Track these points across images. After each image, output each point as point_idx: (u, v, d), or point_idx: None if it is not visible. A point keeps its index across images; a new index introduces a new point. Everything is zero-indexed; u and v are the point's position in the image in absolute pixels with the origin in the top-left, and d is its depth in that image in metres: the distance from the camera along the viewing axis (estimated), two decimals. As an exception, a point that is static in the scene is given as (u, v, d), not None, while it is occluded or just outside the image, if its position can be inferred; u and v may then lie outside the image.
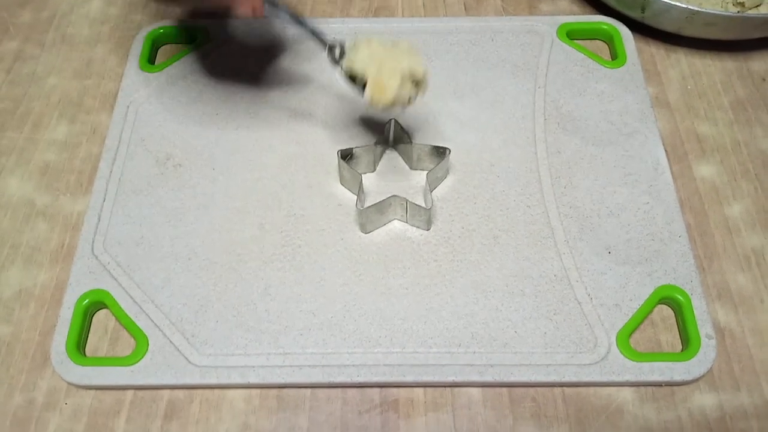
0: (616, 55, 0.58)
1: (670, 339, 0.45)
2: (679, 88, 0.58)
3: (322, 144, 0.53)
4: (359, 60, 0.45)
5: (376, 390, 0.43)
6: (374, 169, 0.51)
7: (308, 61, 0.57)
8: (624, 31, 0.59)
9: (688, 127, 0.55)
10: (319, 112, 0.55)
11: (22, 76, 0.59)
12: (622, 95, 0.55)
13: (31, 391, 0.44)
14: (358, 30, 0.59)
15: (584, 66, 0.57)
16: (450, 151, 0.49)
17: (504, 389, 0.43)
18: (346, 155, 0.49)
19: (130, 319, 0.45)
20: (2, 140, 0.55)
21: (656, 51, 0.60)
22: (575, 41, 0.59)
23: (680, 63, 0.59)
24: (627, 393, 0.43)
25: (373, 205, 0.46)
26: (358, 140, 0.52)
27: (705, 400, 0.43)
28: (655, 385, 0.43)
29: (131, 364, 0.43)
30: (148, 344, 0.44)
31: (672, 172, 0.51)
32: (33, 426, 0.42)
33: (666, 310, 0.46)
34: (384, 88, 0.44)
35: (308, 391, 0.43)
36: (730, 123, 0.56)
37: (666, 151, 0.52)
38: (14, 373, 0.44)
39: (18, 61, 0.60)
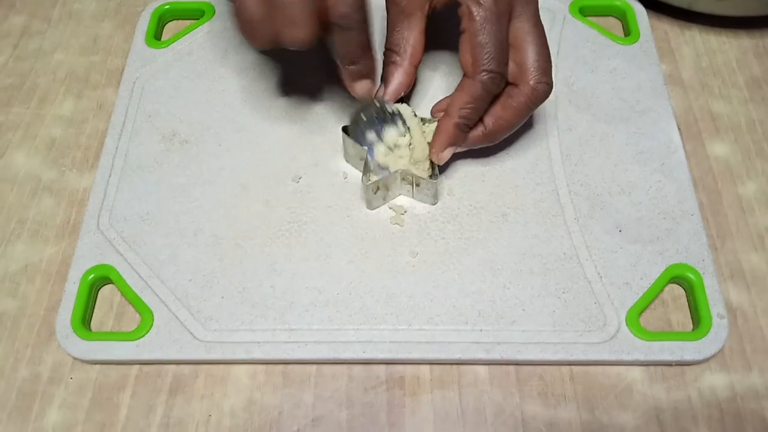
0: (629, 32, 0.57)
1: (681, 318, 0.45)
2: (693, 66, 0.56)
3: (328, 120, 0.52)
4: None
5: (382, 367, 0.43)
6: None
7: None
8: (637, 7, 0.58)
9: (702, 105, 0.54)
10: (326, 88, 0.54)
11: (29, 51, 0.58)
12: (635, 72, 0.54)
13: (36, 365, 0.44)
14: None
15: (597, 43, 0.56)
16: None
17: (511, 367, 0.43)
18: (351, 130, 0.48)
19: (136, 294, 0.45)
20: (9, 115, 0.55)
21: (670, 28, 0.59)
22: (588, 17, 0.58)
23: (694, 40, 0.58)
24: (636, 372, 0.43)
25: (378, 180, 0.46)
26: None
27: (716, 380, 0.42)
28: (665, 365, 0.43)
29: (136, 339, 0.43)
30: (153, 319, 0.44)
31: (685, 151, 0.50)
32: (38, 400, 0.42)
33: (677, 290, 0.46)
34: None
35: (314, 367, 0.43)
36: (745, 101, 0.54)
37: (679, 129, 0.52)
38: (20, 348, 0.44)
39: (24, 36, 0.59)
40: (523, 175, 0.49)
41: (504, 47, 0.43)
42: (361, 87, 0.44)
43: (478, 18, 0.42)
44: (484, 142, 0.47)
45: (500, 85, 0.44)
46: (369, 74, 0.44)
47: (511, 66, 0.44)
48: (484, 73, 0.43)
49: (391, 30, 0.47)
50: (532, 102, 0.45)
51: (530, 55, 0.44)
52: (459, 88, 0.44)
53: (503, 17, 0.43)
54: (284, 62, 0.55)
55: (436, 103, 0.48)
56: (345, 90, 0.46)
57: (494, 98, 0.45)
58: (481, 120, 0.46)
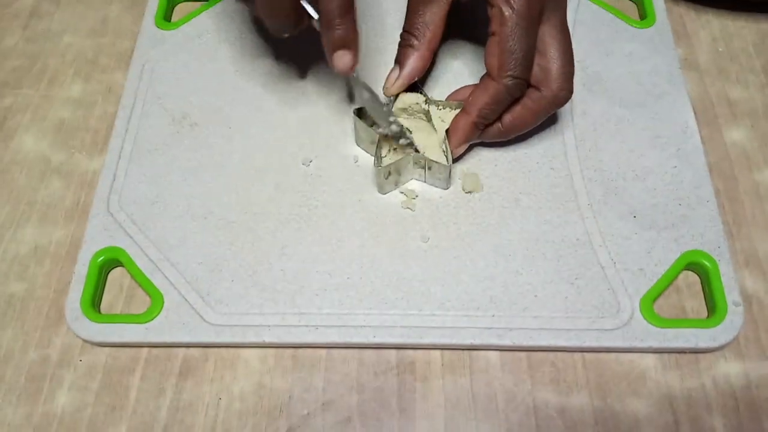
0: (644, 15, 0.56)
1: (696, 306, 0.44)
2: (710, 50, 0.56)
3: (340, 103, 0.52)
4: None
5: (393, 352, 0.43)
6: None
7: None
8: (653, -11, 0.57)
9: (718, 91, 0.53)
10: (338, 72, 0.53)
11: (38, 33, 0.58)
12: (651, 56, 0.53)
13: (45, 348, 0.43)
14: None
15: (612, 26, 0.55)
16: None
17: (523, 353, 0.42)
18: (362, 114, 0.47)
19: (146, 276, 0.44)
20: (18, 97, 0.54)
21: (686, 12, 0.58)
22: (603, 0, 0.57)
23: (711, 24, 0.57)
24: (650, 359, 0.42)
25: (390, 164, 0.45)
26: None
27: (730, 368, 0.42)
28: (678, 352, 0.42)
29: (146, 322, 0.43)
30: (163, 302, 0.43)
31: (701, 136, 0.50)
32: (47, 382, 0.42)
33: (692, 277, 0.45)
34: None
35: (324, 351, 0.43)
36: (762, 86, 0.54)
37: (695, 114, 0.51)
38: (29, 330, 0.44)
39: (34, 18, 0.59)
40: (537, 159, 0.49)
41: (531, 54, 0.43)
42: (339, 58, 0.42)
43: (509, 23, 0.42)
44: (497, 138, 0.47)
45: (523, 90, 0.44)
46: (349, 44, 0.42)
47: (535, 69, 0.44)
48: (508, 78, 0.43)
49: (412, 13, 0.46)
50: (552, 107, 0.45)
51: (556, 62, 0.44)
52: (481, 87, 0.44)
53: (534, 23, 0.43)
54: (296, 45, 0.55)
55: (455, 92, 0.48)
56: (358, 73, 0.45)
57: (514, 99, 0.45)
58: (498, 117, 0.46)
